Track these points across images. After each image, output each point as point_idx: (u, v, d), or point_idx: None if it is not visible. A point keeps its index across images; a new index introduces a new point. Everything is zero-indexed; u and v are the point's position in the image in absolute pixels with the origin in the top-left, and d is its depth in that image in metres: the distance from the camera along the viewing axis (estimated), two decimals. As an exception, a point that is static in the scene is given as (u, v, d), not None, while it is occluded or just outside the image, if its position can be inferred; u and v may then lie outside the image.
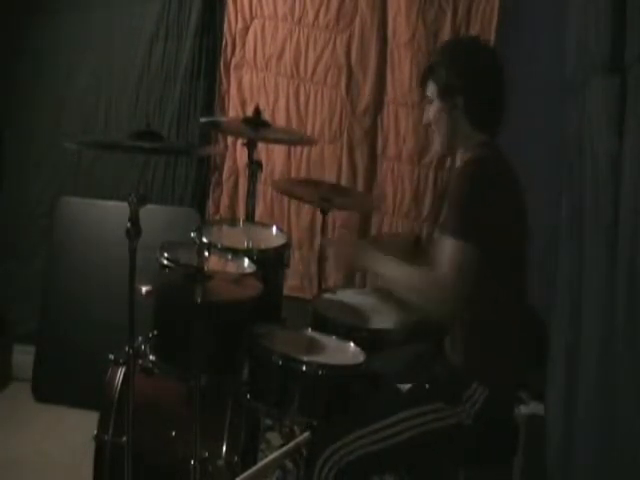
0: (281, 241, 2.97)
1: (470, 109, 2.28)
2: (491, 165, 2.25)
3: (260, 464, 2.55)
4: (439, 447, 2.25)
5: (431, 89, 2.34)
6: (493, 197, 2.16)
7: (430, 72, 2.36)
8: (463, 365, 2.26)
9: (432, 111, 2.35)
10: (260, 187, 3.46)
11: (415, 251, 2.77)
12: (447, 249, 2.13)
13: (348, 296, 3.01)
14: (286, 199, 3.76)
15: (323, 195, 3.14)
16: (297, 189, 3.30)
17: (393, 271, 2.29)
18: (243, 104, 3.84)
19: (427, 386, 2.30)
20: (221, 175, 3.90)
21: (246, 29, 3.82)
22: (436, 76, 2.32)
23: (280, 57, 3.80)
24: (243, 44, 3.82)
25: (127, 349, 2.38)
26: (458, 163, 2.38)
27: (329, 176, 3.75)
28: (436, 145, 2.41)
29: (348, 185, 3.74)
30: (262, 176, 3.44)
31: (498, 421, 2.27)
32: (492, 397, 2.21)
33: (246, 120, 3.22)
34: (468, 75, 2.30)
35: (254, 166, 3.16)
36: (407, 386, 2.37)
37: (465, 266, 2.11)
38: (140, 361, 2.59)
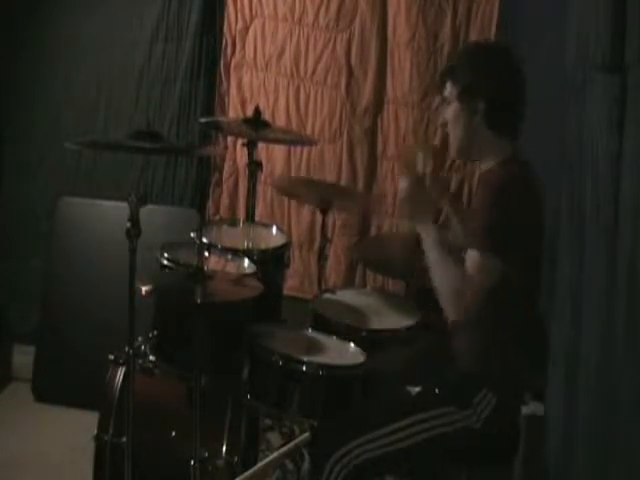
0: (281, 241, 2.97)
1: (491, 114, 2.27)
2: (518, 186, 2.24)
3: (260, 464, 2.56)
4: (447, 450, 2.25)
5: (449, 90, 2.31)
6: (518, 219, 2.18)
7: (450, 73, 2.34)
8: (475, 370, 2.26)
9: (449, 112, 2.32)
10: (260, 187, 3.45)
11: (415, 251, 2.77)
12: (471, 261, 2.14)
13: (348, 296, 3.01)
14: (286, 199, 3.76)
15: (324, 197, 3.14)
16: (297, 190, 3.30)
17: (436, 250, 2.24)
18: (243, 104, 3.84)
19: (437, 390, 2.30)
20: (221, 175, 3.90)
21: (246, 29, 3.81)
22: (457, 77, 2.30)
23: (280, 57, 3.79)
24: (243, 44, 3.82)
25: (127, 349, 2.38)
26: (480, 169, 2.37)
27: (329, 176, 3.74)
28: (450, 150, 2.39)
29: (348, 185, 3.74)
30: (262, 176, 3.44)
31: (505, 424, 2.27)
32: (501, 402, 2.21)
33: (246, 120, 3.22)
34: (491, 80, 2.27)
35: (254, 166, 3.16)
36: (416, 389, 2.37)
37: (485, 282, 2.13)
38: (140, 361, 2.59)
